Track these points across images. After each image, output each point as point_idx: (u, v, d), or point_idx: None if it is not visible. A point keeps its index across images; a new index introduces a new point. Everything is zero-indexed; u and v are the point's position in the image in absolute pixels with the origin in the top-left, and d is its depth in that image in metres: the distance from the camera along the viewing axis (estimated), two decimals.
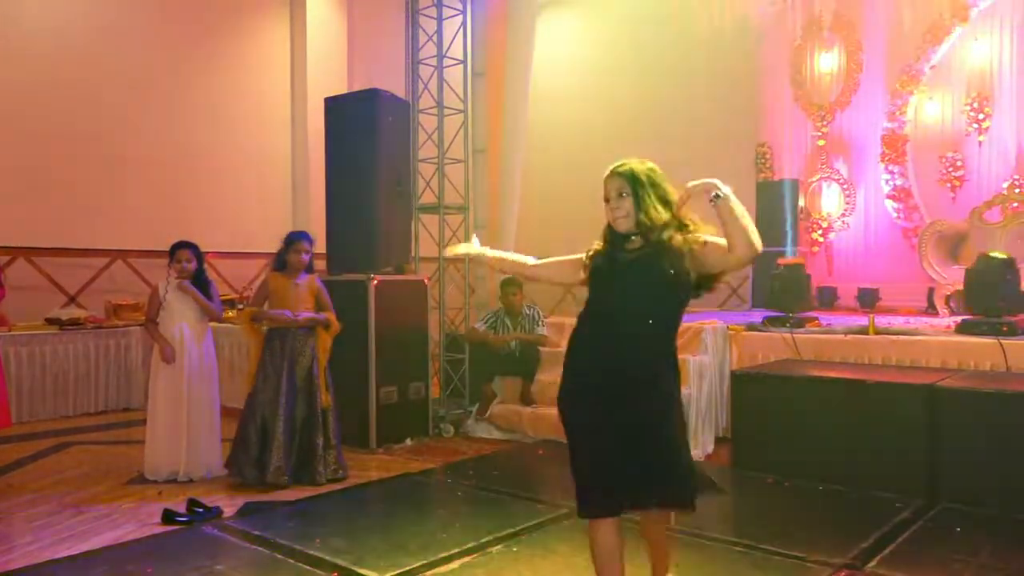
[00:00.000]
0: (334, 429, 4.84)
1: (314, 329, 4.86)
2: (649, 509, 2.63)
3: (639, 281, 2.52)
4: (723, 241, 2.42)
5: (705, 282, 2.57)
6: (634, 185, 2.52)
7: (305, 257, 4.85)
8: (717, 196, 2.37)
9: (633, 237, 2.56)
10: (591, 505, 2.55)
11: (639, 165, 2.57)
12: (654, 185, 2.53)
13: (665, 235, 2.48)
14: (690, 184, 2.45)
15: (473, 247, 2.93)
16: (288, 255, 4.85)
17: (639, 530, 2.78)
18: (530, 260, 2.90)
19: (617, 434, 2.49)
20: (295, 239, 4.88)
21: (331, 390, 4.87)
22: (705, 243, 2.47)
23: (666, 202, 2.52)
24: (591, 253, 2.66)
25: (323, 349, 4.86)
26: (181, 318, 4.87)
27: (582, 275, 2.68)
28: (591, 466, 2.55)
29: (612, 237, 2.61)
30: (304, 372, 4.80)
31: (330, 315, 4.91)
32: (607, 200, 2.57)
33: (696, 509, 2.58)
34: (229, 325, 7.05)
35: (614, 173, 2.56)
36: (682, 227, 2.51)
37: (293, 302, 4.82)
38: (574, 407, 2.60)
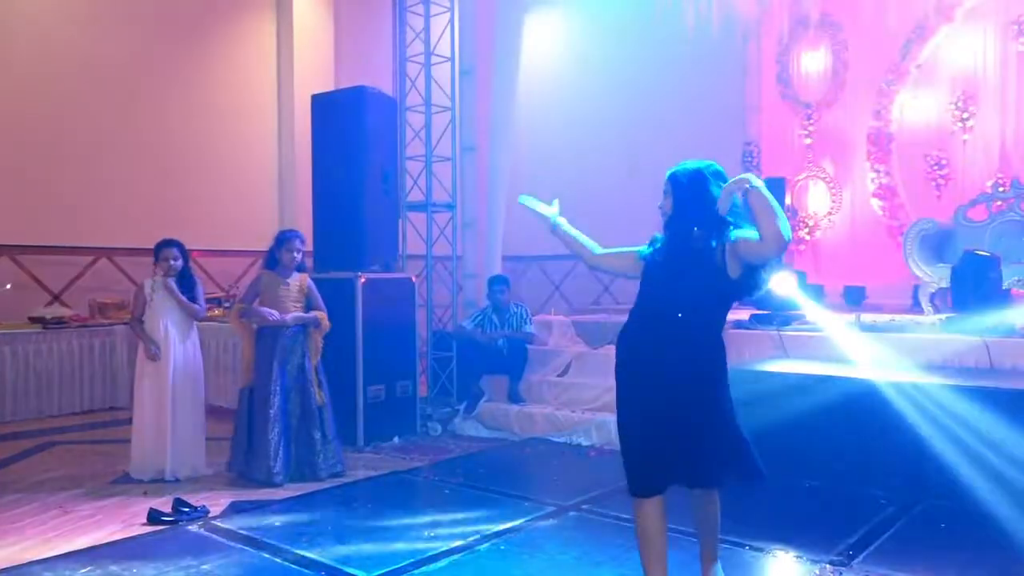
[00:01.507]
0: (330, 425, 4.87)
1: (305, 327, 4.85)
2: (691, 486, 2.80)
3: (678, 277, 2.72)
4: (754, 235, 2.57)
5: (753, 278, 2.70)
6: (673, 186, 2.77)
7: (297, 255, 4.85)
8: (748, 188, 2.55)
9: (675, 234, 2.77)
10: (635, 484, 2.73)
11: (688, 166, 2.77)
12: (695, 185, 2.72)
13: (700, 233, 2.69)
14: (727, 184, 2.63)
15: (551, 209, 2.97)
16: (280, 253, 4.84)
17: (692, 513, 2.93)
18: (596, 248, 3.03)
19: (658, 419, 2.69)
20: (287, 237, 4.88)
21: (324, 387, 4.88)
22: (737, 239, 2.62)
23: (706, 201, 2.68)
24: (648, 248, 2.87)
25: (314, 349, 4.87)
26: (167, 316, 4.84)
27: (637, 269, 2.89)
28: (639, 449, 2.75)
29: (664, 234, 2.83)
30: (295, 370, 4.80)
31: (320, 314, 4.90)
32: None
33: (737, 484, 2.82)
34: (216, 323, 7.02)
35: (666, 178, 2.81)
36: (724, 225, 2.66)
37: (283, 301, 4.81)
38: (624, 395, 2.81)
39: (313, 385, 4.82)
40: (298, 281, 4.89)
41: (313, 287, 4.96)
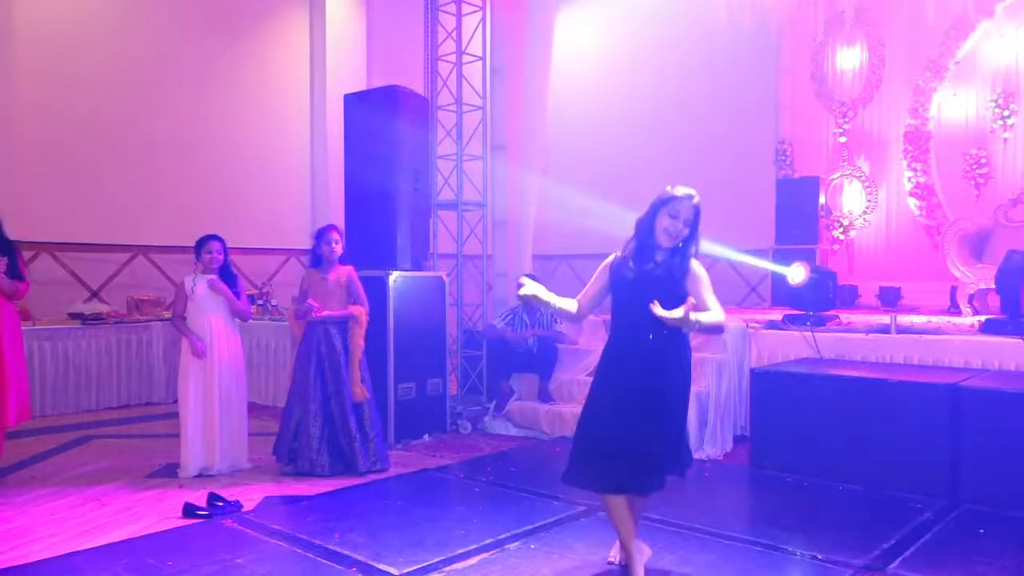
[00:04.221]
0: (371, 422, 4.89)
1: (344, 322, 4.89)
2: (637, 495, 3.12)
3: (654, 287, 2.92)
4: (705, 286, 2.98)
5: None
6: (695, 216, 2.98)
7: (336, 247, 4.90)
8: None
9: (660, 253, 3.01)
10: (575, 477, 3.13)
11: (696, 196, 3.00)
12: (698, 216, 3.00)
13: (680, 261, 2.98)
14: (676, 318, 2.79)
15: (536, 289, 3.06)
16: (320, 248, 4.92)
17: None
18: (571, 304, 3.18)
19: (621, 414, 2.99)
20: (323, 231, 4.96)
21: (367, 383, 4.91)
22: (690, 279, 2.96)
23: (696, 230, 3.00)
24: (611, 263, 3.13)
25: (354, 344, 4.88)
26: (212, 313, 4.85)
27: (603, 285, 3.14)
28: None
29: (644, 245, 3.03)
30: (333, 366, 4.84)
31: (355, 309, 4.90)
32: (675, 217, 2.96)
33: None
34: (250, 321, 7.09)
35: (692, 201, 2.98)
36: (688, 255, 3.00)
37: (323, 295, 4.86)
38: (599, 392, 3.09)
39: (351, 381, 4.84)
40: (336, 274, 4.92)
41: (354, 279, 4.97)
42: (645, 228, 3.01)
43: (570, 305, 3.16)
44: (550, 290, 3.10)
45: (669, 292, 2.87)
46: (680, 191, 2.98)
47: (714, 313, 2.91)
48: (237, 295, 4.95)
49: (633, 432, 2.95)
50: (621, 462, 2.97)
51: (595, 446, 3.04)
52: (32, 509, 4.13)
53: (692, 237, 2.99)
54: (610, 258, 3.13)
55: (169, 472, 4.82)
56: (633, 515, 3.14)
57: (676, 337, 2.97)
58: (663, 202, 2.98)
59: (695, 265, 2.99)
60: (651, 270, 2.99)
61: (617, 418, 2.98)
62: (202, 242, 4.91)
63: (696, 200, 2.98)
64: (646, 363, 2.96)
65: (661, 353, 2.97)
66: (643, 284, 2.96)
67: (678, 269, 2.95)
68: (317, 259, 4.95)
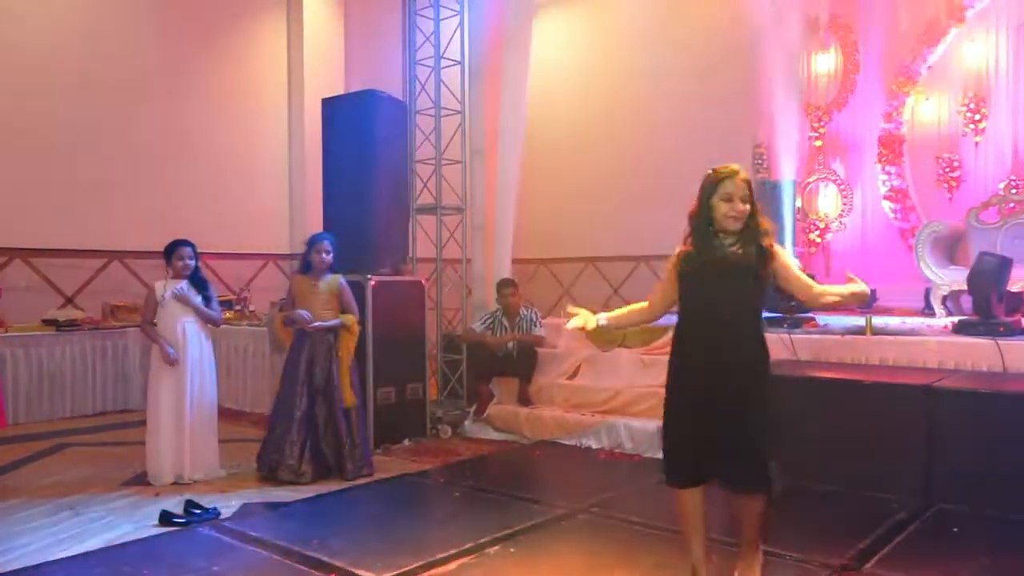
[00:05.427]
0: (358, 428, 4.89)
1: (335, 330, 4.88)
2: (726, 486, 2.95)
3: (732, 276, 2.81)
4: (794, 269, 2.91)
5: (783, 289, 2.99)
6: (750, 192, 2.82)
7: (327, 257, 4.90)
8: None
9: (727, 237, 2.83)
10: (674, 476, 2.93)
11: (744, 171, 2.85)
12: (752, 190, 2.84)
13: (764, 241, 2.83)
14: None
15: (591, 319, 3.05)
16: (311, 256, 4.91)
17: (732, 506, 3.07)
18: (643, 305, 3.11)
19: (709, 414, 2.82)
20: (316, 240, 4.95)
21: (356, 390, 4.91)
22: (778, 259, 2.85)
23: (755, 207, 2.85)
24: (679, 257, 2.91)
25: (346, 351, 4.89)
26: (183, 318, 4.82)
27: (675, 282, 2.93)
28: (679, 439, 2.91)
29: (706, 235, 2.83)
30: (324, 372, 4.83)
31: (347, 318, 4.92)
32: (730, 200, 2.78)
33: (770, 497, 2.94)
34: (227, 326, 7.05)
35: (739, 176, 2.81)
36: (761, 234, 2.84)
37: (314, 303, 4.85)
38: (680, 391, 2.91)
39: (341, 388, 4.83)
40: (328, 283, 4.93)
41: (346, 289, 4.98)
42: (703, 218, 2.81)
43: (637, 308, 3.12)
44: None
45: (749, 275, 2.80)
46: (723, 171, 2.81)
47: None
48: (209, 299, 4.92)
49: (715, 420, 2.80)
50: (695, 451, 2.85)
51: (676, 438, 2.91)
52: (5, 519, 4.07)
53: (755, 213, 2.82)
54: (674, 256, 2.93)
55: (145, 480, 4.76)
56: (745, 534, 3.05)
57: (753, 330, 2.87)
58: (712, 188, 2.80)
59: (778, 247, 2.85)
60: (725, 256, 2.81)
61: (699, 409, 2.84)
62: (173, 247, 4.87)
63: (743, 174, 2.81)
64: (725, 354, 2.82)
65: (740, 345, 2.84)
66: (719, 272, 2.81)
67: (759, 252, 2.81)
68: (307, 266, 4.95)
